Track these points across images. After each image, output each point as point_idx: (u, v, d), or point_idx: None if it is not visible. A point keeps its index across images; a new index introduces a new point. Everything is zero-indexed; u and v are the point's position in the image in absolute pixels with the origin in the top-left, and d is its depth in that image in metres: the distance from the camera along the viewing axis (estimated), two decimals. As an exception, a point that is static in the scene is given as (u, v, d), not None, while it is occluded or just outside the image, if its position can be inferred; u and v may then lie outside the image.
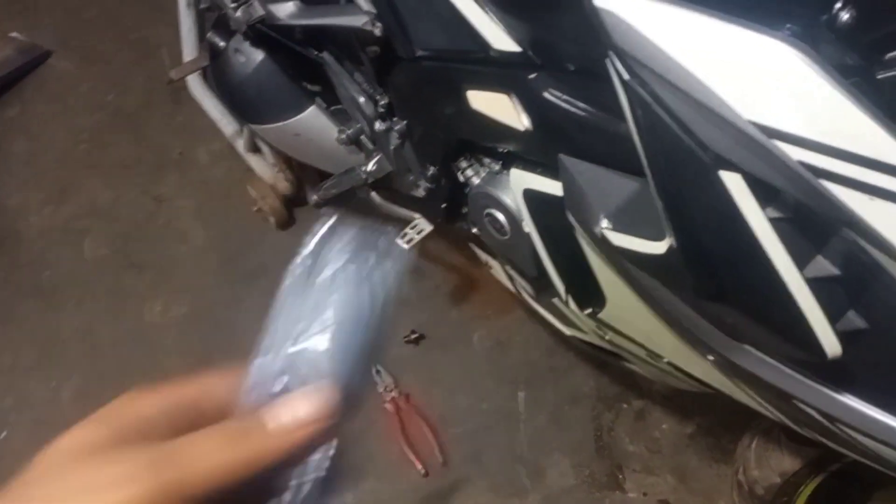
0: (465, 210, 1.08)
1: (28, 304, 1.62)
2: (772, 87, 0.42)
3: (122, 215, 1.73)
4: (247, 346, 0.35)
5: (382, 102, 1.06)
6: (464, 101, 0.85)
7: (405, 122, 1.04)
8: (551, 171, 0.80)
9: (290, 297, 0.35)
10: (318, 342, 0.34)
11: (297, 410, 0.33)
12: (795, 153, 0.42)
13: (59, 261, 1.68)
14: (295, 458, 0.33)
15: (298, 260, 0.36)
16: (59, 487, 0.29)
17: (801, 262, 0.50)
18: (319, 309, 0.35)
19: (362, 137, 1.18)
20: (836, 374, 0.57)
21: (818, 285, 0.50)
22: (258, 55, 1.17)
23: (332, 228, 0.36)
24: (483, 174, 0.99)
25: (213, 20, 1.33)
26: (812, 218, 0.47)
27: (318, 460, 0.34)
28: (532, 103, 0.76)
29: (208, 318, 1.55)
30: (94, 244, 1.70)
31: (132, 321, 1.57)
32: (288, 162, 1.54)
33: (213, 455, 0.31)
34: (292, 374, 0.34)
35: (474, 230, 1.07)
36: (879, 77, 0.48)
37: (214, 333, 1.50)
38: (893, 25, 0.49)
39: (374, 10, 0.90)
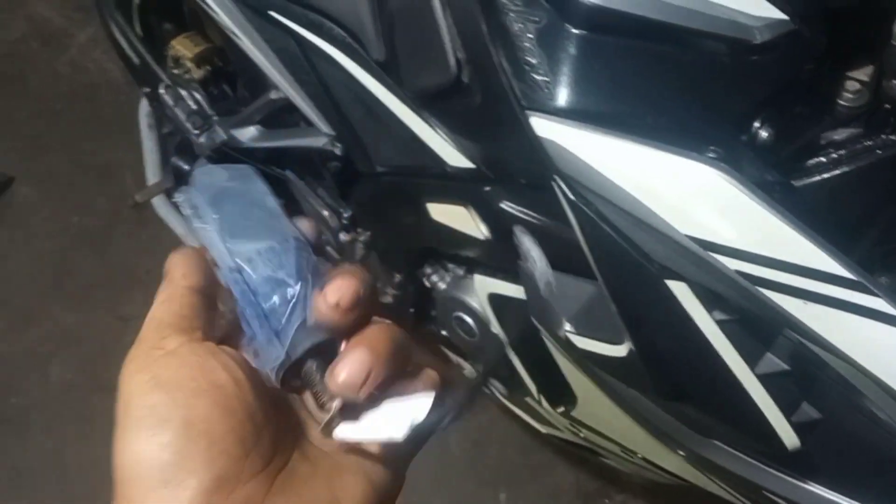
0: (433, 313, 1.09)
1: (-6, 432, 1.57)
2: (702, 204, 0.46)
3: (89, 337, 1.71)
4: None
5: (346, 215, 1.09)
6: (424, 213, 0.88)
7: (369, 232, 1.07)
8: (513, 276, 0.83)
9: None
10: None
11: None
12: (732, 264, 0.46)
13: (25, 387, 1.64)
14: None
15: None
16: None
17: (751, 360, 0.52)
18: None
19: (328, 248, 1.21)
20: (800, 464, 0.59)
21: (770, 381, 0.52)
22: (222, 176, 1.20)
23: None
24: (448, 279, 1.01)
25: (175, 143, 1.37)
26: (756, 319, 0.50)
27: None
28: (489, 214, 0.79)
29: (180, 437, 1.51)
30: (61, 368, 1.67)
31: (102, 445, 1.46)
32: (255, 274, 1.55)
33: None
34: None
35: (444, 332, 1.08)
36: (801, 184, 0.53)
37: (187, 453, 1.47)
38: (809, 136, 0.54)
39: (332, 132, 0.94)
